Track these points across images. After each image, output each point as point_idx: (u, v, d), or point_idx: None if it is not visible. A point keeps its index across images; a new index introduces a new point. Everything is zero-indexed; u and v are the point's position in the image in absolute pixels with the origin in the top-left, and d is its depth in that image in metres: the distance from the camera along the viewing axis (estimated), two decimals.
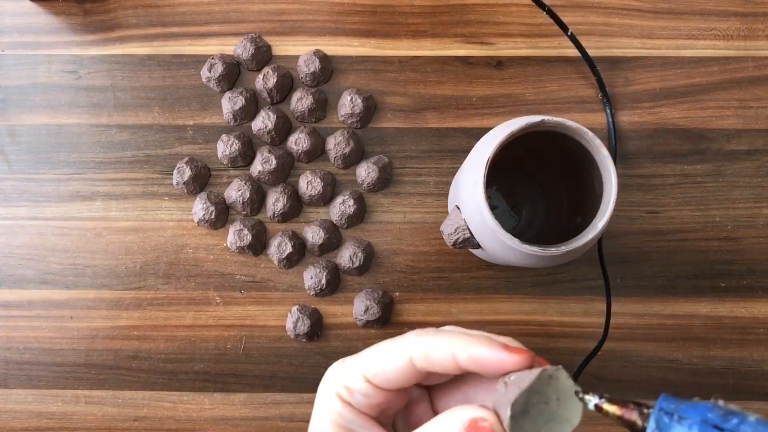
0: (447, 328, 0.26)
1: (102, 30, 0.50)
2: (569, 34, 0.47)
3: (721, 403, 0.21)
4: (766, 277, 0.48)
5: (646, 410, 0.22)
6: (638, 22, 0.49)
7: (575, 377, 0.46)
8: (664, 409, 0.21)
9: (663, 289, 0.48)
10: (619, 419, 0.23)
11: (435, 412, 0.28)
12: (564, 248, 0.34)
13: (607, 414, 0.23)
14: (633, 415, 0.22)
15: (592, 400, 0.23)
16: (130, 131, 0.49)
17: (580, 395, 0.23)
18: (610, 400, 0.23)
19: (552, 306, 0.48)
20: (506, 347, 0.23)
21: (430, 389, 0.29)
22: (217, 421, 0.48)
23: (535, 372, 0.23)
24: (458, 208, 0.38)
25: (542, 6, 0.45)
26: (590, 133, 0.35)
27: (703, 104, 0.49)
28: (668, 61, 0.49)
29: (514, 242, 0.34)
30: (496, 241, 0.35)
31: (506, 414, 0.22)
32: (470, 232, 0.37)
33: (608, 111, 0.48)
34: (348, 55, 0.50)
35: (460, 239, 0.38)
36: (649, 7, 0.49)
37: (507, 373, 0.24)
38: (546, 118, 0.34)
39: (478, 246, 0.38)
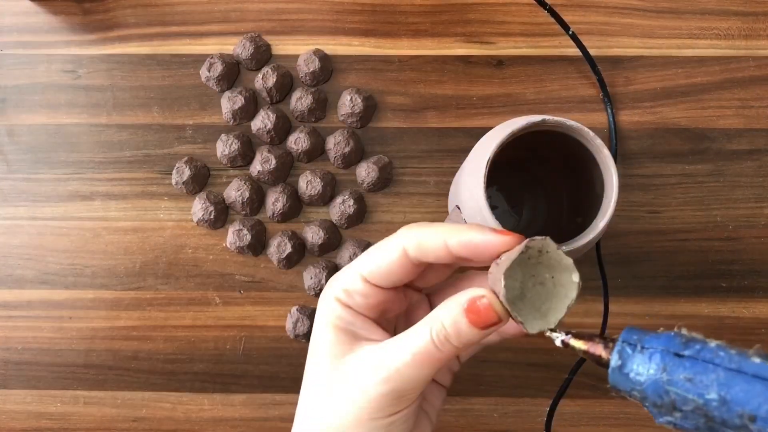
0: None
1: (101, 29, 0.50)
2: (570, 33, 0.47)
3: (684, 331, 0.21)
4: (767, 278, 0.47)
5: (611, 344, 0.21)
6: (639, 21, 0.49)
7: (572, 373, 0.46)
8: (627, 340, 0.21)
9: (664, 289, 0.47)
10: (585, 354, 0.22)
11: None
12: (564, 248, 0.34)
13: (574, 350, 0.23)
14: (598, 349, 0.22)
15: (559, 337, 0.23)
16: (129, 131, 0.49)
17: (547, 333, 0.23)
18: (577, 336, 0.23)
19: None
20: (494, 230, 0.24)
21: (429, 296, 0.29)
22: (216, 421, 0.47)
23: (524, 243, 0.23)
24: (458, 208, 0.38)
25: (543, 5, 0.45)
26: (591, 133, 0.35)
27: (704, 104, 0.48)
28: (669, 60, 0.49)
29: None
30: None
31: (501, 285, 0.22)
32: None
33: (609, 110, 0.48)
34: (348, 55, 0.49)
35: None
36: (650, 6, 0.49)
37: (499, 257, 0.24)
38: (547, 117, 0.34)
39: None
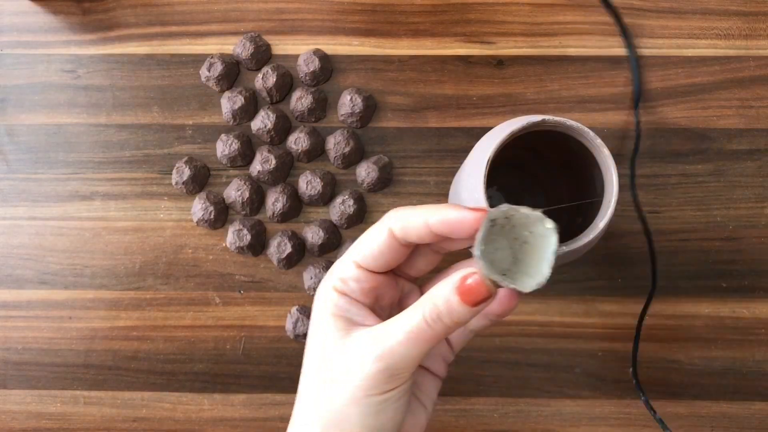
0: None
1: (101, 29, 0.50)
2: (624, 34, 0.48)
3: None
4: (767, 278, 0.47)
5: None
6: (639, 21, 0.49)
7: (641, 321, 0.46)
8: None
9: (664, 289, 0.47)
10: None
11: None
12: (564, 248, 0.34)
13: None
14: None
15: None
16: (128, 131, 0.49)
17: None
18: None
19: (552, 306, 0.47)
20: (468, 208, 0.25)
21: (421, 286, 0.30)
22: (216, 421, 0.47)
23: (486, 215, 0.24)
24: None
25: (608, 6, 0.46)
26: (591, 133, 0.34)
27: (704, 104, 0.48)
28: (669, 60, 0.49)
29: None
30: None
31: (477, 252, 0.23)
32: None
33: (635, 111, 0.48)
34: (348, 55, 0.49)
35: None
36: (651, 6, 0.49)
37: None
38: (546, 117, 0.34)
39: None
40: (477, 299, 0.24)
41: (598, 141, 0.35)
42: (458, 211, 0.25)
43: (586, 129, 0.34)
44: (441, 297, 0.24)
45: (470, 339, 0.31)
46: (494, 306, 0.27)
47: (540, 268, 0.25)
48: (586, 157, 0.36)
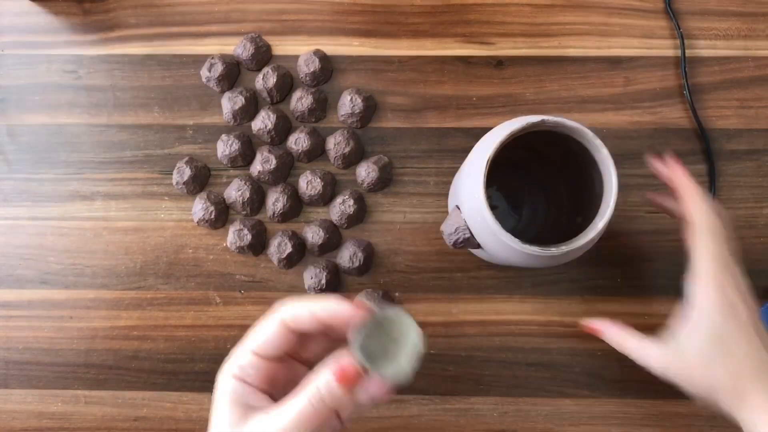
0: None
1: (102, 30, 0.50)
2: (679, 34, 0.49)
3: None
4: (767, 277, 0.48)
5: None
6: (638, 21, 0.49)
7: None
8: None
9: (663, 288, 0.47)
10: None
11: None
12: (564, 248, 0.34)
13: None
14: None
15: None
16: (129, 131, 0.49)
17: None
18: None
19: (552, 306, 0.48)
20: (349, 302, 0.29)
21: (311, 367, 0.33)
22: None
23: (360, 316, 0.28)
24: (458, 208, 0.38)
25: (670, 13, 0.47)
26: (590, 133, 0.35)
27: (703, 104, 0.48)
28: (668, 60, 0.49)
29: (514, 242, 0.34)
30: (497, 242, 0.35)
31: (351, 339, 0.28)
32: (470, 233, 0.37)
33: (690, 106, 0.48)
34: (348, 55, 0.49)
35: (461, 239, 0.38)
36: (650, 6, 0.49)
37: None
38: (546, 117, 0.34)
39: (478, 246, 0.38)
40: (350, 381, 0.28)
41: (597, 141, 0.35)
42: (338, 304, 0.29)
43: (586, 129, 0.35)
44: (322, 380, 0.28)
45: (357, 412, 0.33)
46: (373, 388, 0.29)
47: (402, 360, 0.28)
48: (585, 157, 0.36)
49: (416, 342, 0.28)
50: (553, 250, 0.34)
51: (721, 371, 0.34)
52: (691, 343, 0.35)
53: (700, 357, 0.35)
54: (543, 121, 0.34)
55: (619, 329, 0.39)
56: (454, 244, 0.39)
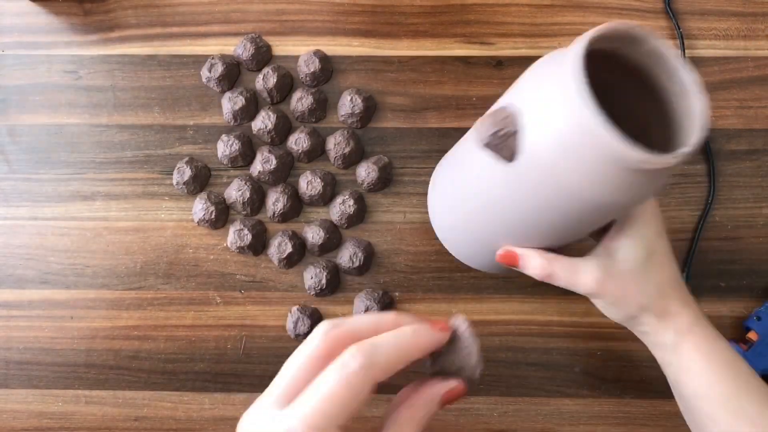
0: (385, 327, 0.27)
1: (102, 30, 0.50)
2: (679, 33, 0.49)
3: None
4: (766, 277, 0.48)
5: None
6: (638, 21, 0.49)
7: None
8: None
9: None
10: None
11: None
12: (674, 158, 0.26)
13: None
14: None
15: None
16: (130, 131, 0.49)
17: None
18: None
19: (552, 306, 0.48)
20: (436, 328, 0.29)
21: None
22: (217, 421, 0.48)
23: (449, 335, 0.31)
24: (506, 109, 0.30)
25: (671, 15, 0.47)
26: (663, 41, 0.28)
27: None
28: None
29: (621, 144, 0.25)
30: (570, 150, 0.27)
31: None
32: (516, 130, 0.29)
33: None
34: (348, 55, 0.50)
35: (501, 133, 0.29)
36: (649, 6, 0.49)
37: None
38: (629, 24, 0.28)
39: (511, 155, 0.30)
40: (453, 401, 0.29)
41: (681, 61, 0.28)
42: (429, 335, 0.28)
43: (659, 39, 0.28)
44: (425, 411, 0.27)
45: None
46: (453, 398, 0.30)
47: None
48: (648, 83, 0.30)
49: (473, 345, 0.31)
50: (670, 159, 0.26)
51: (653, 286, 0.35)
52: (628, 256, 0.34)
53: (636, 270, 0.34)
54: (631, 27, 0.27)
55: (541, 252, 0.35)
56: (488, 144, 0.30)
